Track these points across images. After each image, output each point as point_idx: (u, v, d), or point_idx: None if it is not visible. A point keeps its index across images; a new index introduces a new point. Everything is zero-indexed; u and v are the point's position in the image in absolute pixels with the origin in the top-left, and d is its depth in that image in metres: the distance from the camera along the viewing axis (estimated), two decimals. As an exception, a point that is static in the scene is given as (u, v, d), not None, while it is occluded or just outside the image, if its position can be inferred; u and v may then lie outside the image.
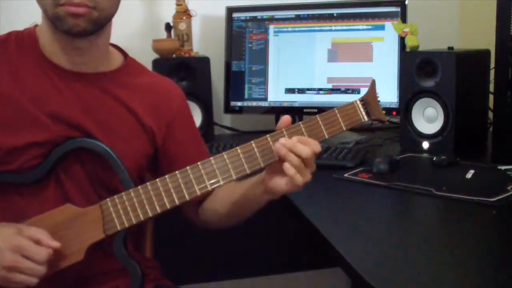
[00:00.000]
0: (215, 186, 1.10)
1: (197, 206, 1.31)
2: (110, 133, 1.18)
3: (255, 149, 1.09)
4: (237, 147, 1.09)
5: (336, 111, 1.10)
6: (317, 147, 1.07)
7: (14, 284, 1.04)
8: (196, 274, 2.11)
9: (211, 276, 2.17)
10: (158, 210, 1.10)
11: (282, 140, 1.06)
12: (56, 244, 1.06)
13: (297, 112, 2.04)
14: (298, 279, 2.32)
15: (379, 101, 1.12)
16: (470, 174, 1.47)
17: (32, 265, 1.03)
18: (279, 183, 1.09)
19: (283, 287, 2.34)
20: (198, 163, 1.09)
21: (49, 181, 1.15)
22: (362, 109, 1.11)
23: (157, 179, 1.10)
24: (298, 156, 1.05)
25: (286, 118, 1.10)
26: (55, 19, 1.12)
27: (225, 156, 1.09)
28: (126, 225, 1.10)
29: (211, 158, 1.09)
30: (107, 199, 1.11)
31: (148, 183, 1.10)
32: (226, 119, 2.24)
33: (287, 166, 1.06)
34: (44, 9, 1.13)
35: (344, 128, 1.11)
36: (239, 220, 1.27)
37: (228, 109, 2.11)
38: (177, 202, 1.10)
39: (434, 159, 1.59)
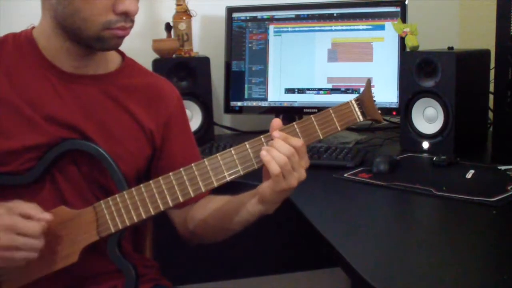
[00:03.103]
0: (209, 187, 1.09)
1: (184, 214, 1.29)
2: (108, 135, 1.18)
3: (249, 150, 1.08)
4: (231, 148, 1.09)
5: (331, 111, 1.09)
6: (296, 142, 1.06)
7: (15, 262, 1.04)
8: (196, 274, 2.11)
9: (211, 276, 2.17)
10: (152, 212, 1.10)
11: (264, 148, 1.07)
12: (47, 216, 1.05)
13: (297, 112, 2.04)
14: (298, 279, 2.32)
15: (374, 100, 1.12)
16: (470, 174, 1.47)
17: (29, 240, 1.03)
18: (263, 184, 1.09)
19: (283, 287, 2.34)
20: (192, 164, 1.09)
21: (45, 182, 1.15)
22: (357, 109, 1.10)
23: (150, 181, 1.10)
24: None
25: (276, 122, 1.09)
26: (95, 40, 1.11)
27: (219, 157, 1.08)
28: (120, 227, 1.10)
29: (205, 159, 1.09)
30: (101, 201, 1.11)
31: (141, 185, 1.10)
32: (226, 119, 2.24)
33: (263, 153, 1.06)
34: (82, 28, 1.10)
35: (339, 129, 1.10)
36: (226, 233, 1.25)
37: (228, 109, 2.11)
38: (170, 203, 1.09)
39: (434, 159, 1.59)
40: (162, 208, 1.10)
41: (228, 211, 1.21)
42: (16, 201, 1.07)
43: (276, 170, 1.05)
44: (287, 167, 1.05)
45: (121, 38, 1.14)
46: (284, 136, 1.07)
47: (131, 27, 1.14)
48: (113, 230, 1.10)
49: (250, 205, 1.14)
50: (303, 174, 1.08)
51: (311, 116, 1.09)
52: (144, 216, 1.10)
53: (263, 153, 1.06)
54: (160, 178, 1.10)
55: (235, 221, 1.19)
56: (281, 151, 1.05)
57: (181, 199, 1.09)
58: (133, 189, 1.10)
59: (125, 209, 1.10)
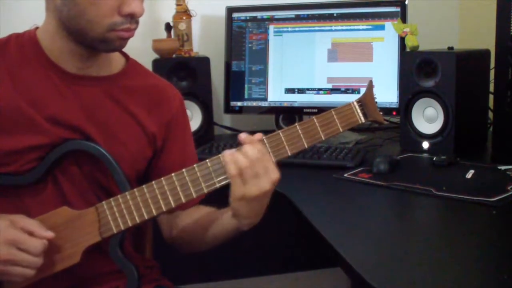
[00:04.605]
0: (211, 188, 1.09)
1: (171, 220, 1.30)
2: (110, 137, 1.18)
3: None
4: (234, 149, 1.09)
5: (333, 112, 1.10)
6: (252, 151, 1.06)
7: (11, 277, 1.04)
8: (196, 274, 2.11)
9: (211, 276, 2.17)
10: (154, 212, 1.10)
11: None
12: (50, 234, 1.06)
13: (297, 112, 2.04)
14: (298, 279, 2.32)
15: (376, 102, 1.12)
16: (470, 174, 1.47)
17: (28, 257, 1.03)
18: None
19: (283, 287, 2.34)
20: (194, 165, 1.09)
21: (47, 182, 1.15)
22: (359, 110, 1.11)
23: (153, 182, 1.10)
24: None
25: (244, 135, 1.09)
26: (99, 41, 1.11)
27: (222, 159, 1.08)
28: (122, 227, 1.10)
29: (207, 160, 1.09)
30: (103, 202, 1.11)
31: (144, 186, 1.10)
32: (226, 119, 2.24)
33: (226, 152, 1.06)
34: (87, 29, 1.10)
35: (341, 130, 1.10)
36: (201, 246, 1.26)
37: (228, 109, 2.11)
38: (173, 204, 1.10)
39: (434, 159, 1.59)
40: (164, 209, 1.10)
41: (205, 223, 1.21)
42: (19, 215, 1.07)
43: (232, 171, 1.04)
44: (247, 171, 1.04)
45: (125, 39, 1.14)
46: (249, 139, 1.06)
47: (135, 28, 1.14)
48: (115, 230, 1.10)
49: (225, 219, 1.15)
50: (264, 184, 1.05)
51: (313, 117, 1.10)
52: (146, 217, 1.10)
53: (226, 152, 1.06)
54: (162, 179, 1.10)
55: (210, 234, 1.20)
56: (245, 154, 1.04)
57: (183, 200, 1.10)
58: (135, 190, 1.10)
59: (127, 209, 1.10)
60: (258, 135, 1.09)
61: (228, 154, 1.06)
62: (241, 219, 1.11)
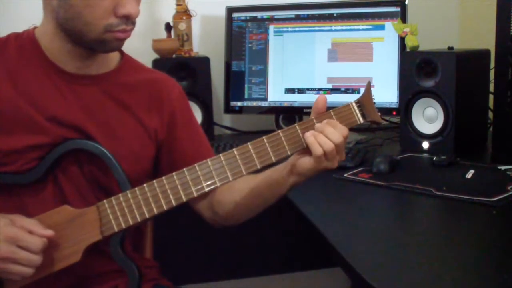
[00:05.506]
0: (211, 187, 1.10)
1: (210, 201, 1.27)
2: (111, 136, 1.18)
3: (252, 151, 1.09)
4: (234, 149, 1.10)
5: (332, 113, 1.10)
6: (344, 131, 1.08)
7: (10, 275, 1.04)
8: (196, 274, 2.11)
9: (211, 276, 2.17)
10: (155, 211, 1.10)
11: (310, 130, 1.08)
12: (49, 232, 1.06)
13: (297, 112, 2.04)
14: (298, 279, 2.32)
15: (374, 103, 1.13)
16: (470, 174, 1.47)
17: (28, 255, 1.03)
18: (304, 159, 1.09)
19: (283, 287, 2.34)
20: (195, 164, 1.10)
21: (47, 182, 1.15)
22: (357, 111, 1.11)
23: (153, 180, 1.10)
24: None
25: (322, 99, 1.10)
26: (96, 42, 1.11)
27: (222, 158, 1.09)
28: (123, 226, 1.10)
29: (208, 159, 1.10)
30: (104, 200, 1.11)
31: (145, 184, 1.11)
32: (226, 119, 2.24)
33: (307, 134, 1.07)
34: (84, 31, 1.10)
35: None
36: (258, 210, 1.23)
37: (228, 109, 2.11)
38: (174, 203, 1.10)
39: (434, 159, 1.60)
40: (165, 207, 1.10)
41: (258, 188, 1.19)
42: (17, 215, 1.07)
43: (318, 152, 1.06)
44: (333, 153, 1.07)
45: (122, 40, 1.14)
46: (334, 123, 1.08)
47: (132, 29, 1.14)
48: (116, 229, 1.10)
49: (283, 178, 1.14)
50: (343, 156, 1.11)
51: (313, 118, 1.10)
52: (147, 216, 1.10)
53: (307, 134, 1.07)
54: (163, 177, 1.10)
55: (270, 197, 1.19)
56: (330, 138, 1.07)
57: (184, 199, 1.10)
58: (136, 188, 1.11)
59: (128, 208, 1.10)
60: (323, 100, 1.10)
61: (310, 135, 1.07)
62: (303, 178, 1.13)
